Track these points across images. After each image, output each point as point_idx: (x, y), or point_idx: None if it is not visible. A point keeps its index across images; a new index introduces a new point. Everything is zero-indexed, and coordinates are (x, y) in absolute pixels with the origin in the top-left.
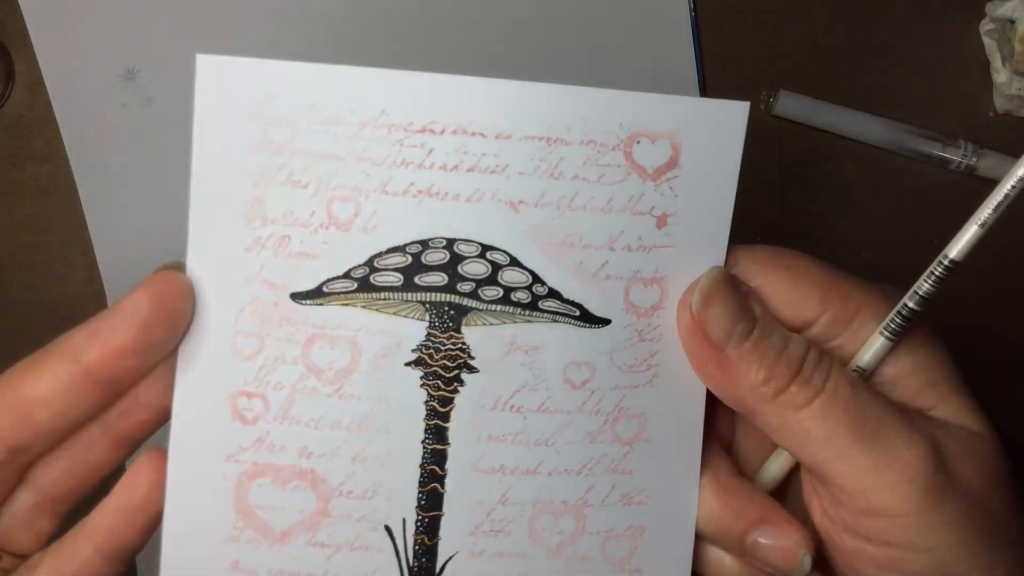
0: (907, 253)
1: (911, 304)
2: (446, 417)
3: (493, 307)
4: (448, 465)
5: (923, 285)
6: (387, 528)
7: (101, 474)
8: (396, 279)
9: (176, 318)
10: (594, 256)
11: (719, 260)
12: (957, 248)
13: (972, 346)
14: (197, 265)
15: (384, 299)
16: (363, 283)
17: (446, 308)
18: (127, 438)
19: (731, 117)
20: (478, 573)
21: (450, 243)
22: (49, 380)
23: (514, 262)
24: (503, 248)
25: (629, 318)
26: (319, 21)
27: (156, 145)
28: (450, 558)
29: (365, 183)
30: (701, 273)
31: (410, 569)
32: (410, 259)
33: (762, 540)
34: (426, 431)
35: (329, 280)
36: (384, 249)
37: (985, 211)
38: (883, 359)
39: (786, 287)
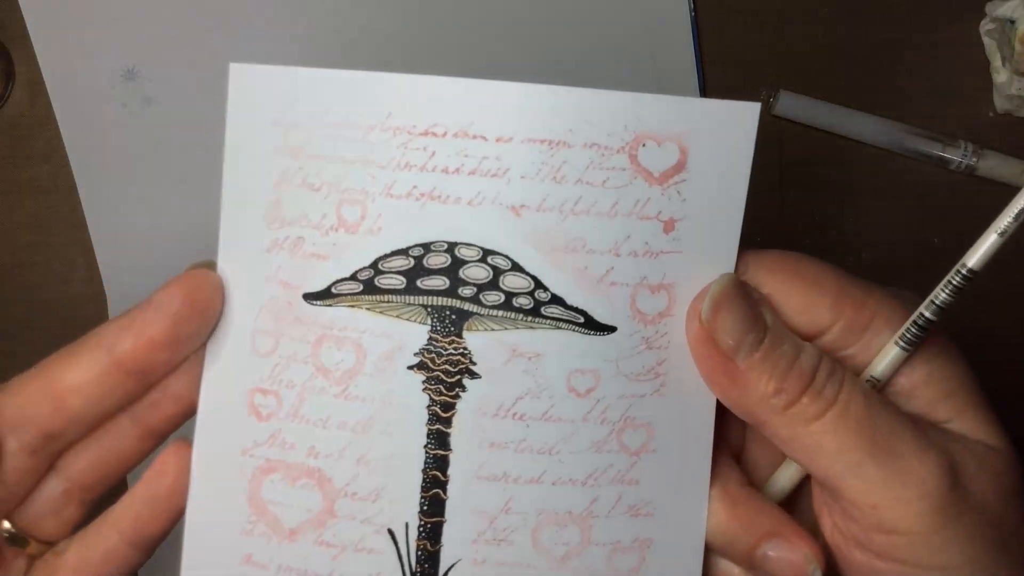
0: (907, 253)
1: (927, 314)
2: (448, 423)
3: (494, 312)
4: (450, 471)
5: (940, 294)
6: (390, 532)
7: (129, 464)
8: (399, 282)
9: (206, 313)
10: (599, 262)
11: (729, 266)
12: (976, 257)
13: (978, 348)
14: (226, 264)
15: (387, 302)
16: (368, 285)
17: (447, 312)
18: (156, 430)
19: (741, 118)
20: None
21: (451, 247)
22: (83, 369)
23: (515, 267)
24: (504, 252)
25: (636, 325)
26: (319, 21)
27: (156, 145)
28: (452, 565)
29: (371, 186)
30: (710, 279)
31: (413, 574)
32: (412, 262)
33: (772, 553)
34: (428, 436)
35: (337, 281)
36: (388, 252)
37: (1005, 219)
38: (898, 369)
39: (798, 294)
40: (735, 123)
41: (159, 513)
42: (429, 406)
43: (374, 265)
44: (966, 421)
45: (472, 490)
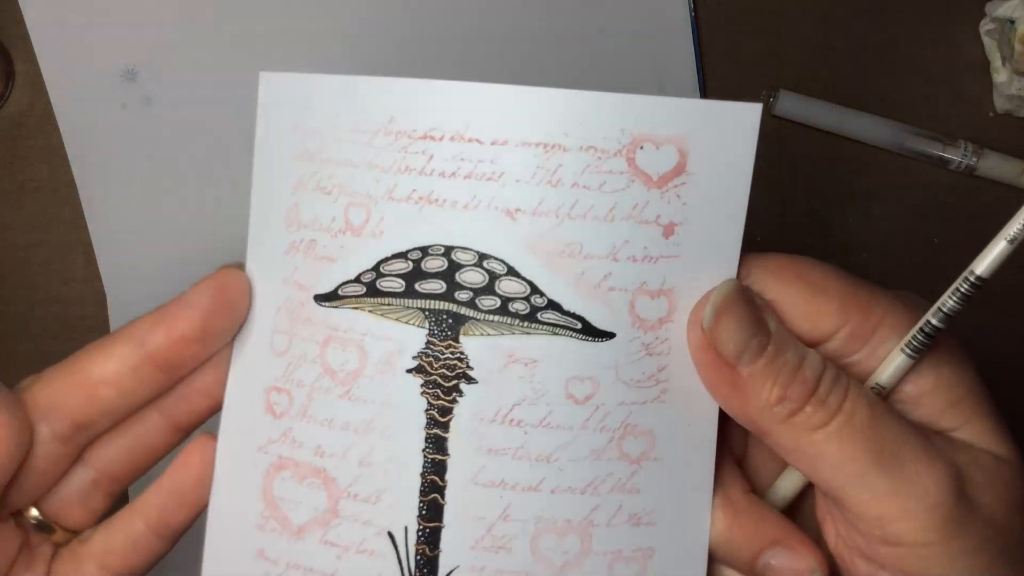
0: (907, 253)
1: (934, 321)
2: (445, 427)
3: (491, 317)
4: (448, 476)
5: (947, 302)
6: (390, 535)
7: (156, 457)
8: (398, 285)
9: (234, 311)
10: (596, 267)
11: (731, 271)
12: (984, 264)
13: (988, 352)
14: (252, 265)
15: (387, 304)
16: (370, 288)
17: (444, 316)
18: (183, 423)
19: (742, 120)
20: None
21: (448, 250)
22: (115, 361)
23: (511, 272)
24: (500, 257)
25: (635, 331)
26: (320, 21)
27: (156, 145)
28: (451, 572)
29: (374, 189)
30: (712, 284)
31: None
32: (411, 265)
33: (774, 562)
34: (426, 440)
35: (343, 283)
36: (389, 255)
37: (1015, 226)
38: (904, 376)
39: (802, 300)
40: (736, 124)
41: (184, 503)
42: (427, 410)
43: (376, 268)
44: (974, 430)
45: (470, 496)
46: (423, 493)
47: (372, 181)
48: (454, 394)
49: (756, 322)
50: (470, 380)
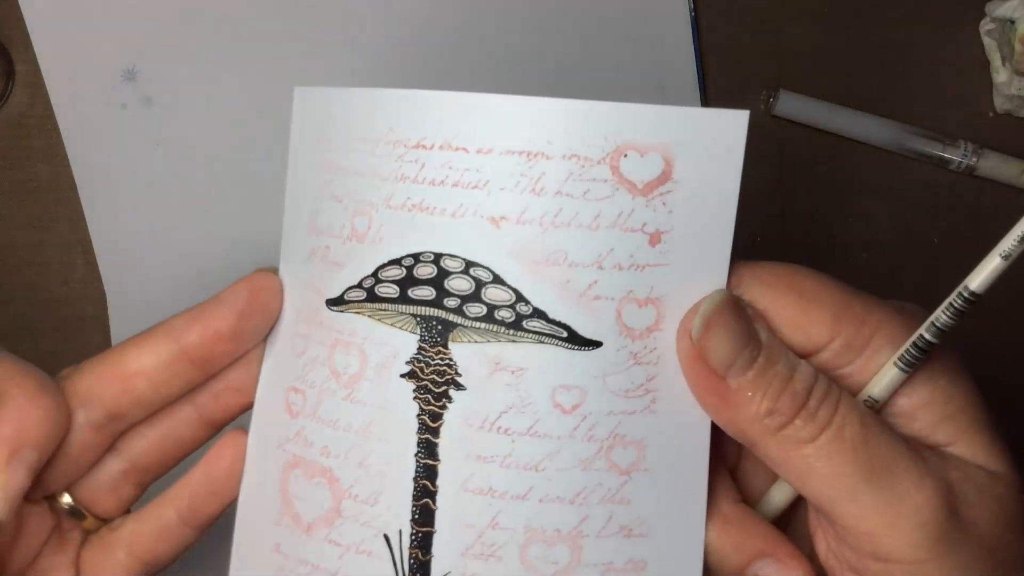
0: (907, 253)
1: (928, 336)
2: (436, 432)
3: (477, 324)
4: (439, 482)
5: (941, 316)
6: (386, 537)
7: (187, 450)
8: (393, 291)
9: (266, 311)
10: (581, 275)
11: (720, 279)
12: (978, 280)
13: (987, 362)
14: (283, 269)
15: (384, 310)
16: (370, 293)
17: (434, 322)
18: (214, 419)
19: (729, 127)
20: None
21: (437, 257)
22: (151, 355)
23: (497, 279)
24: (486, 265)
25: (623, 340)
26: (320, 21)
27: (156, 145)
28: None
29: (375, 197)
30: (701, 293)
31: None
32: (404, 272)
33: (762, 573)
34: (418, 445)
35: (348, 289)
36: (386, 261)
37: (1008, 242)
38: (898, 389)
39: (795, 310)
40: (723, 132)
41: (214, 494)
42: (419, 415)
43: (374, 274)
44: (968, 445)
45: (460, 502)
46: (415, 497)
47: (373, 189)
48: (444, 400)
49: (746, 333)
50: (459, 387)
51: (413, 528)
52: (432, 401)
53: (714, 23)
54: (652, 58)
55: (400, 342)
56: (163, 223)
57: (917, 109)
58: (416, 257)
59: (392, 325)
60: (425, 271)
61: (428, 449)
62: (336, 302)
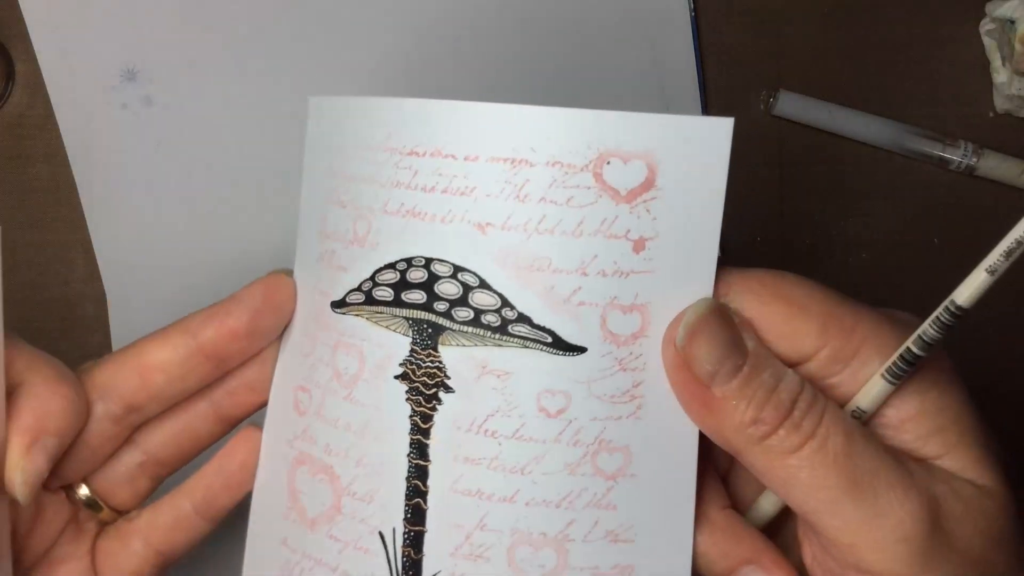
0: (907, 253)
1: (915, 349)
2: (427, 434)
3: (465, 328)
4: (429, 482)
5: (928, 330)
6: (380, 535)
7: (202, 445)
8: (388, 294)
9: (280, 311)
10: (565, 281)
11: (706, 286)
12: (965, 295)
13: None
14: (297, 271)
15: (380, 312)
16: (368, 296)
17: (424, 326)
18: (229, 416)
19: (713, 135)
20: None
21: (428, 262)
22: (168, 350)
23: (483, 284)
24: (472, 270)
25: (607, 346)
26: (320, 21)
27: (156, 145)
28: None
29: (374, 203)
30: (687, 300)
31: None
32: (398, 276)
33: None
34: (410, 445)
35: (349, 291)
36: (383, 265)
37: (995, 256)
38: (886, 401)
39: (783, 319)
40: (707, 139)
41: (229, 485)
42: (411, 416)
43: (372, 277)
44: (957, 459)
45: (449, 503)
46: (407, 497)
47: (372, 195)
48: (434, 402)
49: (730, 342)
50: (448, 389)
51: (406, 527)
52: (423, 403)
53: (714, 23)
54: (652, 58)
55: (394, 344)
56: (163, 223)
57: (917, 109)
58: (409, 261)
59: (387, 327)
60: (417, 275)
61: (419, 450)
62: (339, 304)
